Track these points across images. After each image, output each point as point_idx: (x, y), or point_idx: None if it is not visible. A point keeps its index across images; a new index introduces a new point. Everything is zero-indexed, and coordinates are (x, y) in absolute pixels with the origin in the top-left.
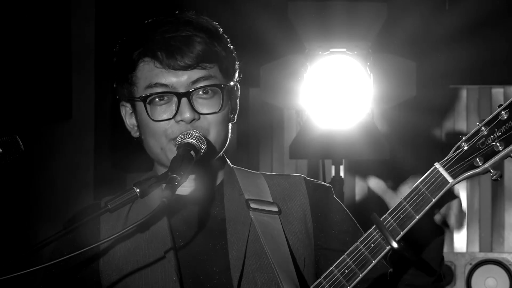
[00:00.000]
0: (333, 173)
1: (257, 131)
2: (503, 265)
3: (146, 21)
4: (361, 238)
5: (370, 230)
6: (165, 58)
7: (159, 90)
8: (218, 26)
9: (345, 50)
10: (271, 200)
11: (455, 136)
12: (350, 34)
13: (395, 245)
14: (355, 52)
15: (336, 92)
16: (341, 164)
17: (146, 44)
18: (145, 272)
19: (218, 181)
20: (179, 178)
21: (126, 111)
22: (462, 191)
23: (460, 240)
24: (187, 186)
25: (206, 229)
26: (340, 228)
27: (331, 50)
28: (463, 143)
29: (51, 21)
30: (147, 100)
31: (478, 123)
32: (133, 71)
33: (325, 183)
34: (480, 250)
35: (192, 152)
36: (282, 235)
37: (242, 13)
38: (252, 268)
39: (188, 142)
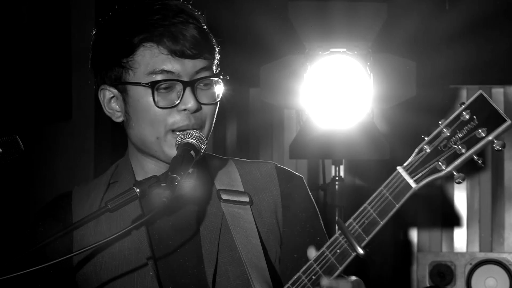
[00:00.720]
0: (333, 173)
1: (257, 131)
2: (503, 265)
3: (134, 6)
4: (327, 244)
5: (335, 236)
6: (171, 44)
7: (164, 76)
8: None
9: (345, 50)
10: (242, 189)
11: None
12: (350, 34)
13: (360, 251)
14: (355, 52)
15: (336, 92)
16: (341, 164)
17: (148, 29)
18: (120, 267)
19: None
20: (179, 178)
21: (105, 95)
22: (462, 191)
23: (460, 240)
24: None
25: (179, 222)
26: (303, 227)
27: (331, 50)
28: (425, 146)
29: (51, 21)
30: (156, 86)
31: (440, 123)
32: (131, 55)
33: (297, 174)
34: (480, 250)
35: (192, 152)
36: (254, 227)
37: (242, 13)
38: (225, 261)
39: (188, 142)
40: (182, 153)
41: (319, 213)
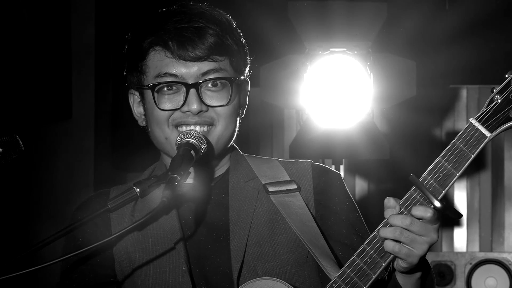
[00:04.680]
0: None
1: (257, 131)
2: (503, 265)
3: (159, 10)
4: (402, 200)
5: (410, 192)
6: (176, 48)
7: (168, 79)
8: (231, 19)
9: (345, 50)
10: (288, 178)
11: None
12: (350, 34)
13: (437, 204)
14: (355, 52)
15: (336, 92)
16: (341, 164)
17: (157, 33)
18: (153, 261)
19: (224, 169)
20: (179, 178)
21: (134, 99)
22: (462, 191)
23: (460, 240)
24: (192, 177)
25: (211, 218)
26: (338, 219)
27: (331, 50)
28: (496, 96)
29: (51, 21)
30: (155, 89)
31: (507, 75)
32: (144, 59)
33: (334, 170)
34: (480, 250)
35: (192, 151)
36: (307, 211)
37: (242, 13)
38: (253, 257)
39: (188, 142)
40: (182, 153)
41: (357, 207)
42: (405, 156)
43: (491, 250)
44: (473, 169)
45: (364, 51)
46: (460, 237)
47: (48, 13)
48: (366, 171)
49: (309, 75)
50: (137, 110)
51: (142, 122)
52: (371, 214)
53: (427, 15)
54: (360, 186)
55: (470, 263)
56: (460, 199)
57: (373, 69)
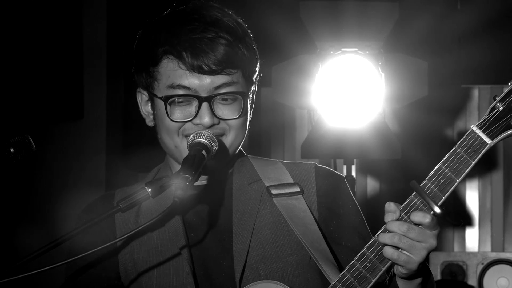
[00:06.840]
0: (344, 173)
1: (268, 131)
2: None
3: (170, 12)
4: (403, 206)
5: (410, 198)
6: (190, 60)
7: (181, 92)
8: (243, 22)
9: (356, 49)
10: (292, 181)
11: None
12: (362, 33)
13: (437, 210)
14: (367, 52)
15: (348, 92)
16: (353, 164)
17: (171, 42)
18: (157, 263)
19: (229, 171)
20: (190, 178)
21: (142, 98)
22: (474, 191)
23: (472, 240)
24: (206, 178)
25: (214, 221)
26: (340, 221)
27: (342, 49)
28: (498, 104)
29: (63, 20)
30: (168, 101)
31: (510, 83)
32: (156, 65)
33: (338, 173)
34: (492, 250)
35: (203, 152)
36: (309, 214)
37: (253, 13)
38: (256, 259)
39: (199, 142)
40: (194, 153)
41: (360, 209)
42: (416, 156)
43: (503, 250)
44: (485, 169)
45: (376, 51)
46: (472, 237)
47: (60, 12)
48: (378, 171)
49: (321, 75)
50: (145, 108)
51: (150, 122)
52: (382, 215)
53: (439, 15)
54: (371, 186)
55: (482, 263)
56: (472, 199)
57: (384, 69)
